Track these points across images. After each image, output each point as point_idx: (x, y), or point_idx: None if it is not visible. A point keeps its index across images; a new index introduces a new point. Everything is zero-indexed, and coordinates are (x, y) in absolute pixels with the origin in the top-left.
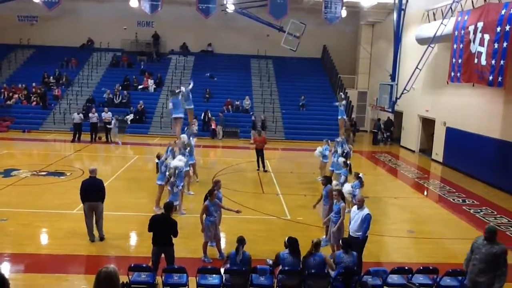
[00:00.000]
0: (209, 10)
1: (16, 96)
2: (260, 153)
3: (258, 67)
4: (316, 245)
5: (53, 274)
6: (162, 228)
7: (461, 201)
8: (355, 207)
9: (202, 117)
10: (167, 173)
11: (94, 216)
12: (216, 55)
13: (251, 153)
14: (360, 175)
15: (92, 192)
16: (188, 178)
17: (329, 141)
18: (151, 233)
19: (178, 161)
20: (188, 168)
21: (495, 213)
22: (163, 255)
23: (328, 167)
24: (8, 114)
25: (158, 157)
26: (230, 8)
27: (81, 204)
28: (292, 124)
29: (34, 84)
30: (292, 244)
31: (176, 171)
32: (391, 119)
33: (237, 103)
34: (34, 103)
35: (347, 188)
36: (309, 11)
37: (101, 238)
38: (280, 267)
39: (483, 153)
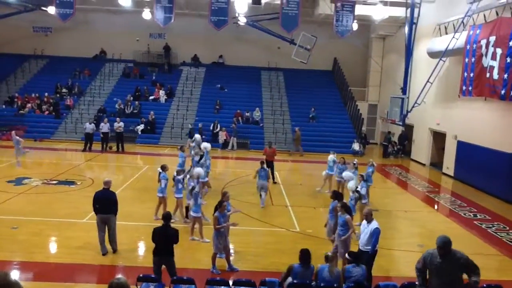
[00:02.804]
0: (221, 22)
1: (29, 105)
2: (270, 165)
3: (268, 79)
4: (331, 259)
5: (62, 283)
6: (163, 238)
7: (472, 215)
8: (364, 221)
9: (211, 128)
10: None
11: (106, 228)
12: (227, 67)
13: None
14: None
15: (103, 204)
16: (204, 187)
17: (335, 152)
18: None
19: (199, 169)
20: (207, 179)
21: (507, 228)
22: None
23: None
24: (21, 122)
25: (163, 168)
26: (242, 20)
27: (91, 213)
28: (302, 136)
29: (46, 94)
30: (303, 254)
31: (199, 179)
32: (406, 133)
33: (247, 114)
34: (47, 112)
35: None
36: (320, 24)
37: (114, 250)
38: (290, 280)
39: (494, 167)
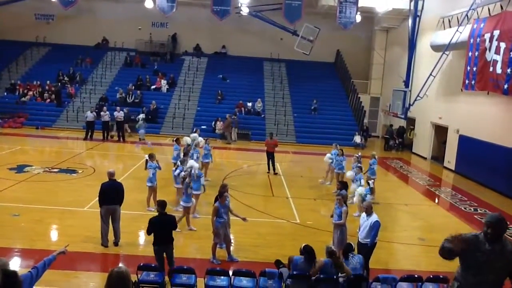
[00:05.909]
0: (223, 12)
1: (31, 93)
2: (271, 156)
3: (271, 70)
4: (331, 254)
5: (62, 270)
6: (163, 227)
7: (472, 210)
8: (364, 214)
9: (213, 123)
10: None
11: (110, 220)
12: (229, 57)
13: (262, 156)
14: (370, 181)
15: (112, 195)
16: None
17: (338, 145)
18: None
19: (194, 162)
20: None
21: (508, 223)
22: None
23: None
24: (23, 110)
25: (151, 157)
26: (245, 10)
27: (92, 202)
28: (303, 128)
29: (48, 82)
30: (308, 252)
31: (192, 171)
32: (403, 127)
33: (249, 105)
34: (48, 100)
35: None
36: (323, 16)
37: (116, 243)
38: (286, 271)
39: (496, 162)
